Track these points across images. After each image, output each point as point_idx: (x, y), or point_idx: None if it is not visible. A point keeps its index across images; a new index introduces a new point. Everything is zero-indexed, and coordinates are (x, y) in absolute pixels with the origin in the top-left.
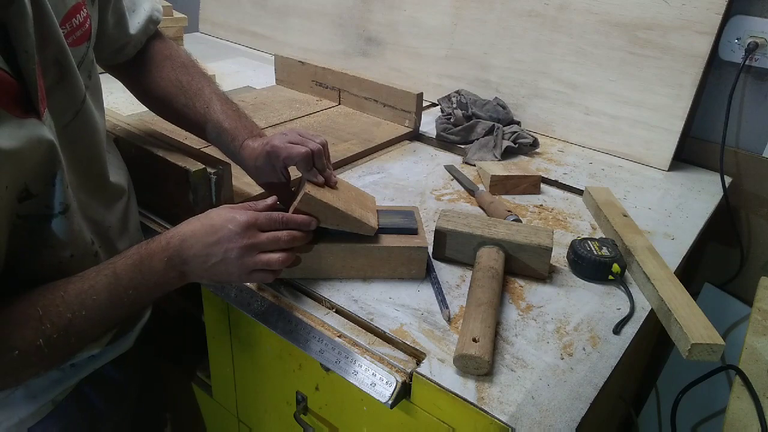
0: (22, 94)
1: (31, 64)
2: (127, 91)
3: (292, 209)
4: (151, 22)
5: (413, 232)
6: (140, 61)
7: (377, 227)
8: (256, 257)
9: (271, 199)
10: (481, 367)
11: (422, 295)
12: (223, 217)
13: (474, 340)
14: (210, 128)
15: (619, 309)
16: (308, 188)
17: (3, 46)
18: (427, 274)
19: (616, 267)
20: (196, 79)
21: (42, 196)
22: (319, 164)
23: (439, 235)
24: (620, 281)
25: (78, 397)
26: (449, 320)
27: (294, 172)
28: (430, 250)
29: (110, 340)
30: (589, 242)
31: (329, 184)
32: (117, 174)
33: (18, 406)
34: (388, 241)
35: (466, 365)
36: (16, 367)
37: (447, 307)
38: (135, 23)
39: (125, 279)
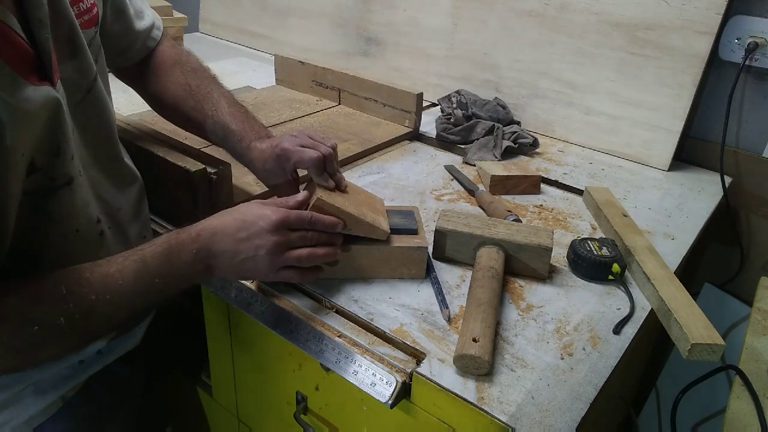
0: (37, 62)
1: (44, 32)
2: (127, 91)
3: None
4: (156, 27)
5: (413, 232)
6: (150, 66)
7: (389, 231)
8: (285, 254)
9: (301, 195)
10: (481, 367)
11: (422, 295)
12: (255, 214)
13: (474, 340)
14: (218, 129)
15: (619, 309)
16: (320, 193)
17: (21, 18)
18: (427, 274)
19: (616, 267)
20: (205, 83)
21: (46, 169)
22: (330, 168)
23: (439, 235)
24: (620, 281)
25: (86, 394)
26: (449, 320)
27: (299, 175)
28: (430, 249)
29: (117, 335)
30: (589, 242)
31: (339, 187)
32: (129, 159)
33: (28, 403)
34: (389, 241)
35: (466, 365)
36: (35, 344)
37: (447, 307)
38: (140, 24)
39: (153, 266)
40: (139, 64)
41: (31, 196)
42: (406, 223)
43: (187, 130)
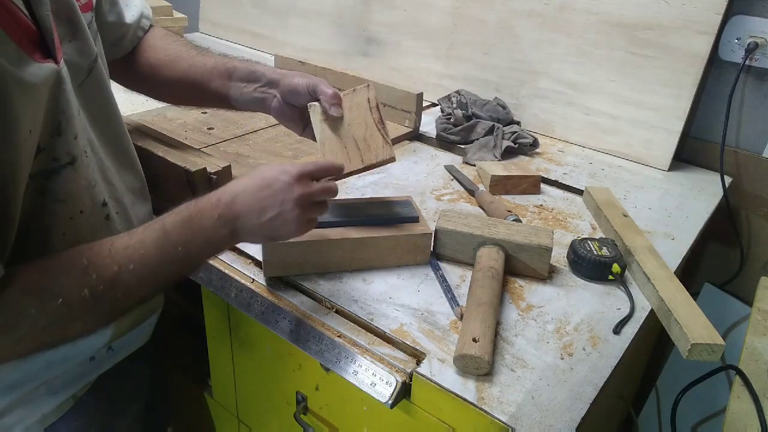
0: (39, 40)
1: (44, 9)
2: (127, 92)
3: (348, 91)
4: (144, 17)
5: (415, 220)
6: (139, 47)
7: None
8: (311, 207)
9: (322, 161)
10: (481, 367)
11: (422, 295)
12: (275, 170)
13: (474, 340)
14: (230, 70)
15: (619, 309)
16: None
17: None
18: (434, 272)
19: (616, 267)
20: (202, 49)
21: (48, 148)
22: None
23: (440, 234)
24: (620, 281)
25: (97, 392)
26: (461, 317)
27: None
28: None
29: (127, 330)
30: (589, 242)
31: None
32: (132, 145)
33: (41, 403)
34: (394, 230)
35: (466, 365)
36: (61, 318)
37: (458, 305)
38: (130, 15)
39: (174, 235)
40: (129, 54)
41: (34, 178)
42: (406, 211)
43: (180, 97)
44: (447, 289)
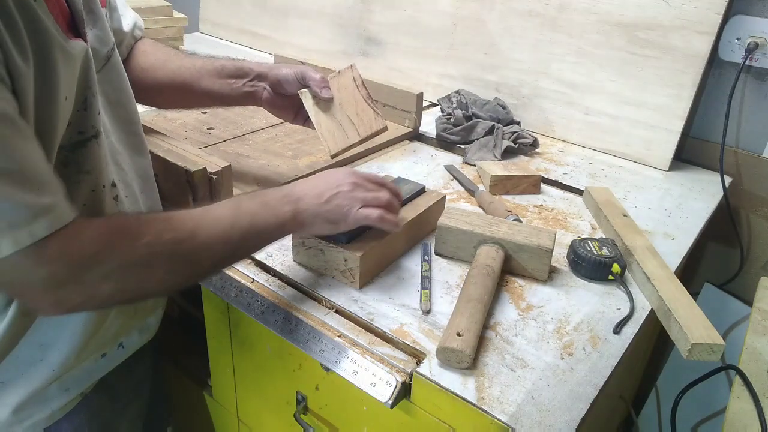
0: (71, 20)
1: None
2: None
3: (334, 74)
4: (137, 27)
5: (423, 190)
6: (131, 54)
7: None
8: (365, 192)
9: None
10: (462, 360)
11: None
12: (330, 170)
13: (458, 334)
14: (218, 68)
15: (619, 309)
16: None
17: None
18: (422, 258)
19: (616, 267)
20: (189, 53)
21: (75, 123)
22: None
23: (442, 231)
24: (620, 281)
25: (103, 388)
26: (427, 312)
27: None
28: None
29: (137, 322)
30: (589, 242)
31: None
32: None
33: (52, 399)
34: (418, 205)
35: (447, 358)
36: (146, 258)
37: (428, 300)
38: (126, 23)
39: (245, 204)
40: (123, 61)
41: (59, 151)
42: (412, 187)
43: (171, 97)
44: (426, 286)
